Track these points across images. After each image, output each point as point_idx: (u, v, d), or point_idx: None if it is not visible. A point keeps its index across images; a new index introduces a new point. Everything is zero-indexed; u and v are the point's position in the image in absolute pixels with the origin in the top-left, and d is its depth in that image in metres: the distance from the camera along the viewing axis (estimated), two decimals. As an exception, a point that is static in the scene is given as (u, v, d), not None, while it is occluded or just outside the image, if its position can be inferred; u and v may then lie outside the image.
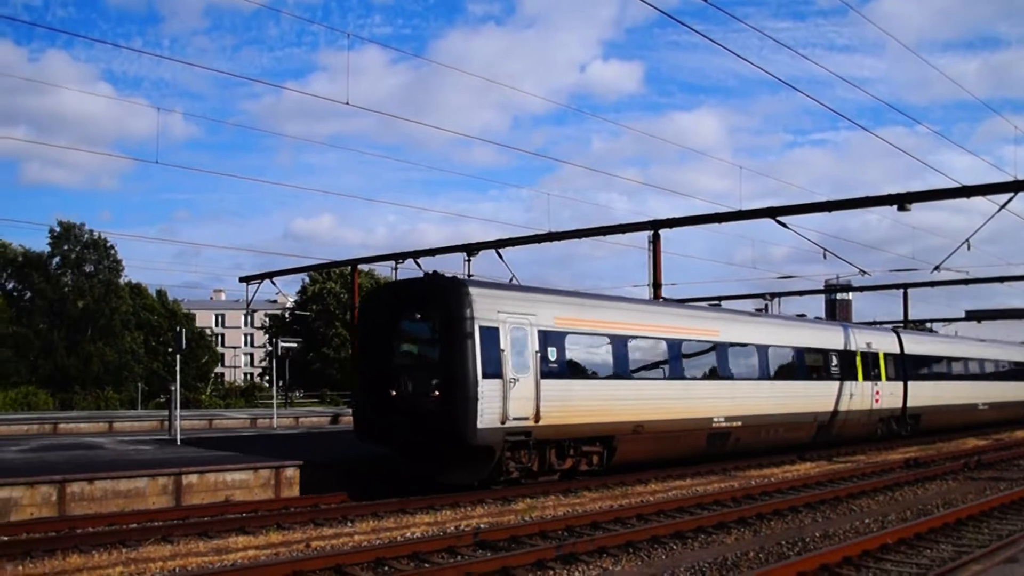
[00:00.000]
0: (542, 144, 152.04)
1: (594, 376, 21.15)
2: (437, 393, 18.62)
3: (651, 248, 31.90)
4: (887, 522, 15.68)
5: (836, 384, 29.75)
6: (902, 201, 24.25)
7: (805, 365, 28.77)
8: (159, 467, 18.43)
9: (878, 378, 32.24)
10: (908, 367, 34.39)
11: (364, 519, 16.00)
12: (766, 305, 45.87)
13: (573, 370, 20.45)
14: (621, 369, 21.67)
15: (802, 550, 13.11)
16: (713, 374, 24.71)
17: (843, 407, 29.77)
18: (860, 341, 31.97)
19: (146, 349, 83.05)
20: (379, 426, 19.86)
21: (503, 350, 18.62)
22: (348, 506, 16.72)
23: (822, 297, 67.32)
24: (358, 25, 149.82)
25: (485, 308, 18.70)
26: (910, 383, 34.11)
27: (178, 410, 28.77)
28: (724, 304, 43.94)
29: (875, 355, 32.39)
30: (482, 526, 15.08)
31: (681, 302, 34.75)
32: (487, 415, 18.05)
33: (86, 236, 78.84)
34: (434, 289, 19.82)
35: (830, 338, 30.74)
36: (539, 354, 19.34)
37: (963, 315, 68.24)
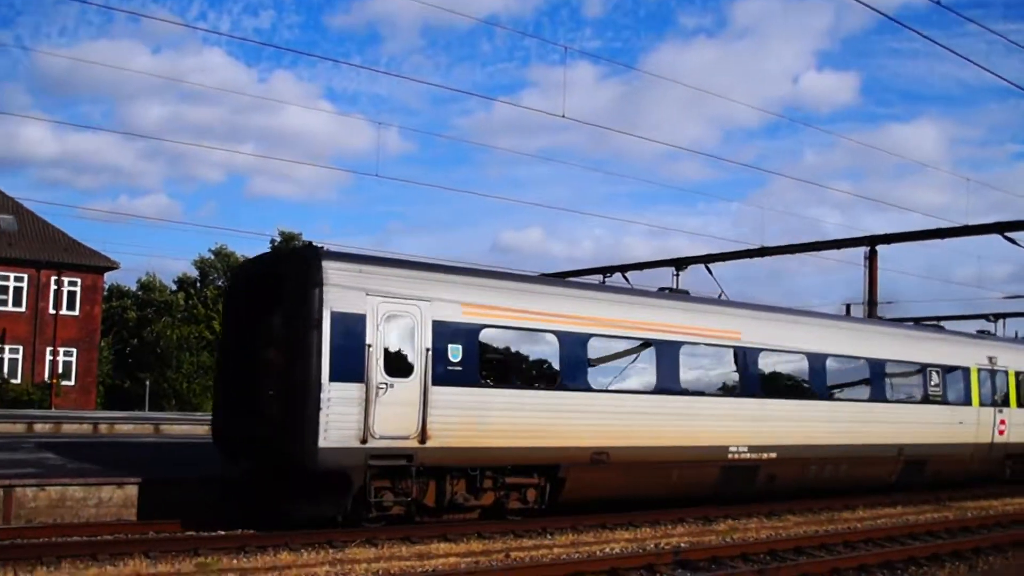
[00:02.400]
0: (753, 158, 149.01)
1: (527, 385, 16.82)
2: (276, 399, 14.80)
3: (867, 264, 30.93)
4: (1123, 564, 14.52)
5: (935, 409, 23.68)
6: None
7: (883, 382, 22.52)
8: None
9: (1005, 403, 25.81)
10: None
11: (563, 532, 16.03)
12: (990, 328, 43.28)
13: (491, 376, 16.07)
14: (574, 378, 16.83)
15: (1025, 589, 12.33)
16: (730, 388, 19.43)
17: (944, 439, 23.55)
18: (978, 355, 25.60)
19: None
20: (231, 437, 16.12)
21: (369, 345, 14.44)
22: (547, 520, 16.77)
23: (1052, 320, 63.08)
24: (568, 39, 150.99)
25: (343, 287, 14.50)
26: None
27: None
28: (944, 324, 41.59)
29: (1002, 373, 26.00)
30: (682, 545, 14.88)
31: (895, 321, 32.92)
32: (335, 430, 13.99)
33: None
34: (286, 262, 15.91)
35: (926, 349, 24.30)
36: (430, 352, 14.96)
37: None
